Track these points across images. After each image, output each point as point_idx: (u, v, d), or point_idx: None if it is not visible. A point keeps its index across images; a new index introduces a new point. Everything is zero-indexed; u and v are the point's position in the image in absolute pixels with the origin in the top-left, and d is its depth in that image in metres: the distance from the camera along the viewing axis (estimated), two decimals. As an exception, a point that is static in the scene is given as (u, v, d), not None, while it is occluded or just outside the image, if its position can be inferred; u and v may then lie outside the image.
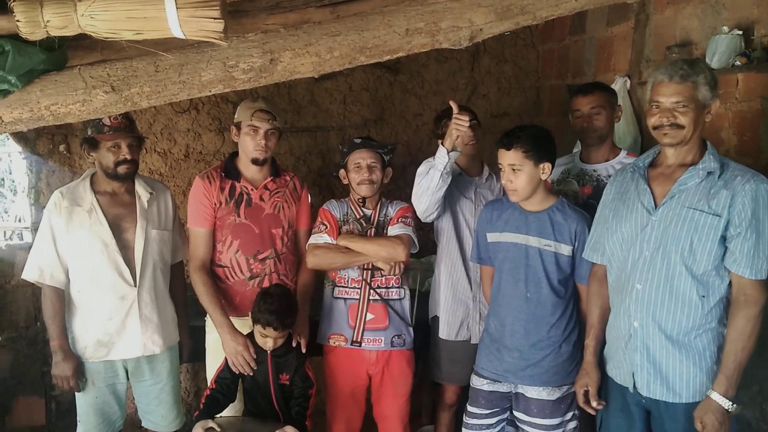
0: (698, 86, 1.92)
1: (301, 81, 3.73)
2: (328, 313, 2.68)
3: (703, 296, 1.96)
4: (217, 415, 2.48)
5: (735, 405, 1.90)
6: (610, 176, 2.45)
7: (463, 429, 2.54)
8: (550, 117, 4.11)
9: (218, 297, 2.57)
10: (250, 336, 2.51)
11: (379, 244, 2.59)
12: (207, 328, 2.68)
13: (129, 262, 2.50)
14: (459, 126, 2.38)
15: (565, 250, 2.34)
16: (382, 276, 2.63)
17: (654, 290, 2.01)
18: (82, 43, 1.73)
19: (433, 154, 2.47)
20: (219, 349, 2.54)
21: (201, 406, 2.47)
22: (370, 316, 2.62)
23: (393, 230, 2.63)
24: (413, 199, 2.58)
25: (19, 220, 3.67)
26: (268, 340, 2.44)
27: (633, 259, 2.06)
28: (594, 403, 2.21)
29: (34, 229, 3.32)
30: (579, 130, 2.64)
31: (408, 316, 2.70)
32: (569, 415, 2.38)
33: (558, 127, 3.72)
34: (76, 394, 2.56)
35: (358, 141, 2.69)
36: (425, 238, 3.03)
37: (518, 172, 2.29)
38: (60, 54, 1.70)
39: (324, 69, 1.82)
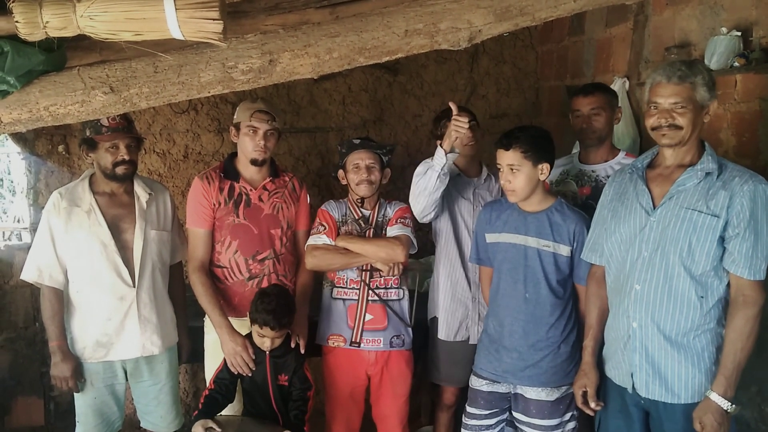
0: (696, 87, 1.92)
1: (300, 82, 3.73)
2: (326, 313, 2.68)
3: (702, 297, 1.96)
4: (216, 415, 2.47)
5: (734, 405, 1.91)
6: (608, 177, 2.45)
7: (462, 429, 2.54)
8: (549, 118, 4.11)
9: (217, 297, 2.57)
10: (249, 337, 2.51)
11: (377, 245, 2.59)
12: (206, 329, 2.67)
13: (128, 262, 2.50)
14: (458, 127, 2.38)
15: (564, 250, 2.34)
16: (380, 277, 2.63)
17: (653, 291, 2.01)
18: (81, 43, 1.74)
19: (432, 154, 2.47)
20: (218, 349, 2.54)
21: (200, 406, 2.47)
22: (369, 316, 2.62)
23: (392, 231, 2.63)
24: (411, 200, 2.59)
25: (18, 221, 3.67)
26: (265, 340, 2.44)
27: (632, 259, 2.07)
28: (592, 404, 2.21)
29: (33, 229, 3.32)
30: (578, 130, 2.64)
31: (407, 316, 2.70)
32: (568, 415, 2.38)
33: (557, 127, 3.72)
34: (75, 394, 2.56)
35: (356, 142, 2.69)
36: (424, 239, 3.03)
37: (517, 173, 2.29)
38: (59, 55, 1.70)
39: (323, 70, 1.82)
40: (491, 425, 2.49)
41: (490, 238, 2.47)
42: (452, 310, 2.70)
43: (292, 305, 2.52)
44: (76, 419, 2.59)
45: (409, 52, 1.86)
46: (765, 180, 1.92)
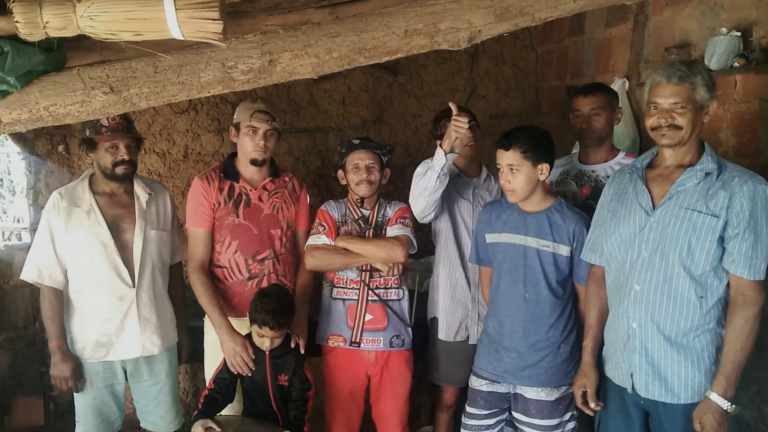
0: (696, 87, 1.93)
1: (300, 82, 3.73)
2: (326, 313, 2.68)
3: (702, 297, 1.96)
4: (216, 415, 2.47)
5: (734, 405, 1.91)
6: (608, 177, 2.45)
7: (462, 429, 2.54)
8: (549, 118, 4.12)
9: (217, 297, 2.57)
10: (249, 337, 2.51)
11: (377, 245, 2.59)
12: (205, 329, 2.67)
13: (128, 262, 2.50)
14: (458, 127, 2.38)
15: (564, 250, 2.34)
16: (380, 277, 2.63)
17: (652, 291, 2.01)
18: (81, 43, 1.74)
19: (431, 154, 2.47)
20: (217, 349, 2.54)
21: (199, 406, 2.47)
22: (368, 316, 2.62)
23: (391, 231, 2.63)
24: (410, 200, 2.59)
25: (18, 221, 3.67)
26: (265, 340, 2.44)
27: (631, 260, 2.07)
28: (592, 404, 2.21)
29: (33, 229, 3.32)
30: (578, 130, 2.64)
31: (407, 316, 2.70)
32: (568, 415, 2.38)
33: (557, 128, 3.73)
34: (75, 394, 2.56)
35: (356, 142, 2.69)
36: (424, 239, 3.03)
37: (516, 173, 2.29)
38: (59, 55, 1.70)
39: (323, 70, 1.82)
40: (491, 425, 2.49)
41: (490, 238, 2.47)
42: (452, 310, 2.70)
43: (292, 305, 2.52)
44: (76, 419, 2.59)
45: (409, 53, 1.86)
46: (765, 180, 1.92)
